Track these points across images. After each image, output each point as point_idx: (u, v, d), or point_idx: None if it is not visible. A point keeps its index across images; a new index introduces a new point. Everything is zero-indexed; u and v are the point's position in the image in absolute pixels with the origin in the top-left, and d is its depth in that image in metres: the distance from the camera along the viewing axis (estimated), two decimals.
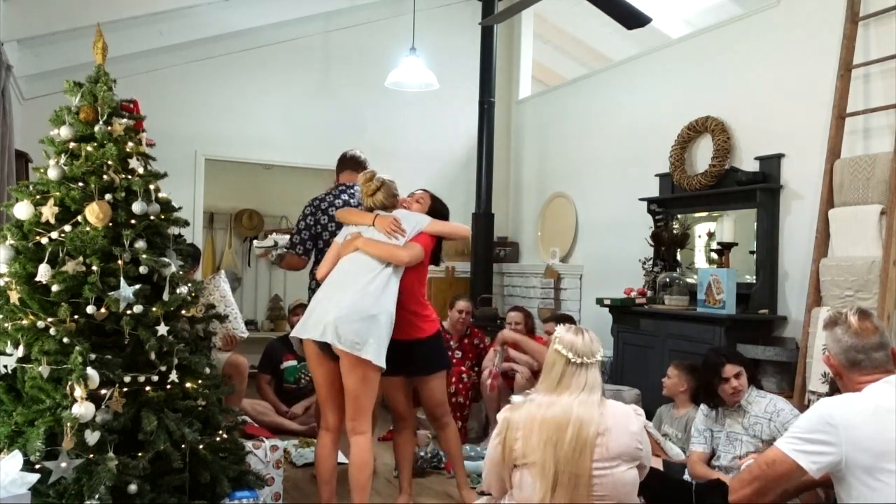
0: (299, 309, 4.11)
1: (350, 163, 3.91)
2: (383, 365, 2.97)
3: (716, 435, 3.14)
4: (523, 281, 6.36)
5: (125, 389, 2.41)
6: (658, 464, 3.19)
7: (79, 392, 2.22)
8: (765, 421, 2.98)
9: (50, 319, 2.37)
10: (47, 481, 2.17)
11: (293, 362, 5.17)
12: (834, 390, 2.86)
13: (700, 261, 4.83)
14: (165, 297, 2.54)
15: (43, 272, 2.40)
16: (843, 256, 3.66)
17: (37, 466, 2.17)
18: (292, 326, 4.22)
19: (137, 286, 2.45)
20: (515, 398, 2.26)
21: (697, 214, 4.86)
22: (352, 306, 2.94)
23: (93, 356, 2.32)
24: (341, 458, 3.67)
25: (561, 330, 2.27)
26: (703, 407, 3.24)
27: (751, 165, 4.36)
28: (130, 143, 2.62)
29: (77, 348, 2.26)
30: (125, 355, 2.47)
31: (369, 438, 3.04)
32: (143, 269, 2.50)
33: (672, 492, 2.71)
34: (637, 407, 2.31)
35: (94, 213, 2.46)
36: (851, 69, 3.79)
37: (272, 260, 3.92)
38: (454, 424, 3.68)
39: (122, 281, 2.42)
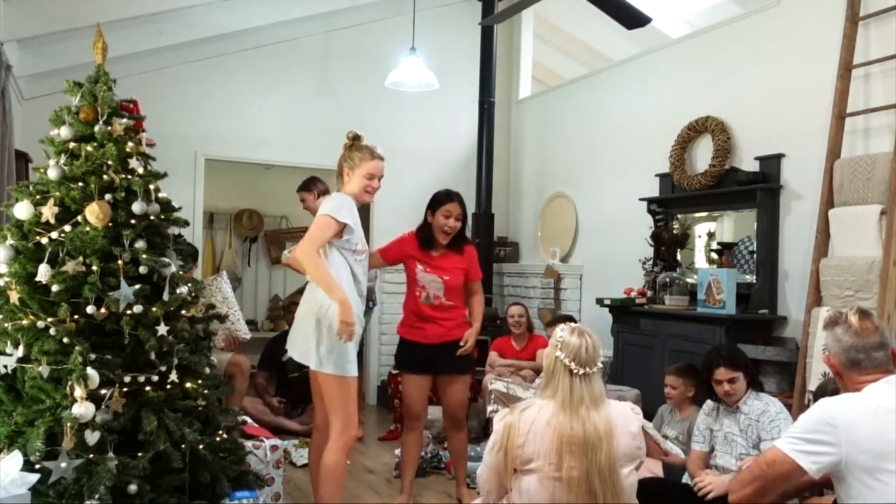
0: (293, 307, 4.12)
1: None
2: (328, 370, 2.85)
3: (715, 433, 3.15)
4: (523, 281, 6.36)
5: (125, 389, 2.41)
6: (658, 466, 3.19)
7: (79, 392, 2.22)
8: (754, 423, 2.99)
9: (50, 319, 2.37)
10: (47, 481, 2.17)
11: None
12: (818, 393, 2.85)
13: (700, 261, 4.83)
14: (165, 297, 2.54)
15: (43, 272, 2.40)
16: (843, 256, 3.66)
17: (37, 466, 2.17)
18: (289, 324, 4.23)
19: (137, 286, 2.45)
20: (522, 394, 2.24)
21: (697, 214, 4.86)
22: (301, 315, 2.94)
23: (93, 356, 2.32)
24: None
25: (564, 332, 2.22)
26: (705, 406, 3.24)
27: (751, 165, 4.36)
28: (130, 143, 2.62)
29: (77, 348, 2.26)
30: (125, 355, 2.47)
31: (332, 445, 2.91)
32: (143, 269, 2.50)
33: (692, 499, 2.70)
34: (633, 405, 2.30)
35: (94, 213, 2.46)
36: (851, 69, 3.79)
37: None
38: (466, 427, 3.75)
39: (122, 281, 2.42)
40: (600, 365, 2.19)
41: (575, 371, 2.14)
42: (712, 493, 2.66)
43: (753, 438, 2.97)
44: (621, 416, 2.19)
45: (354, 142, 3.05)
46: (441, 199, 3.59)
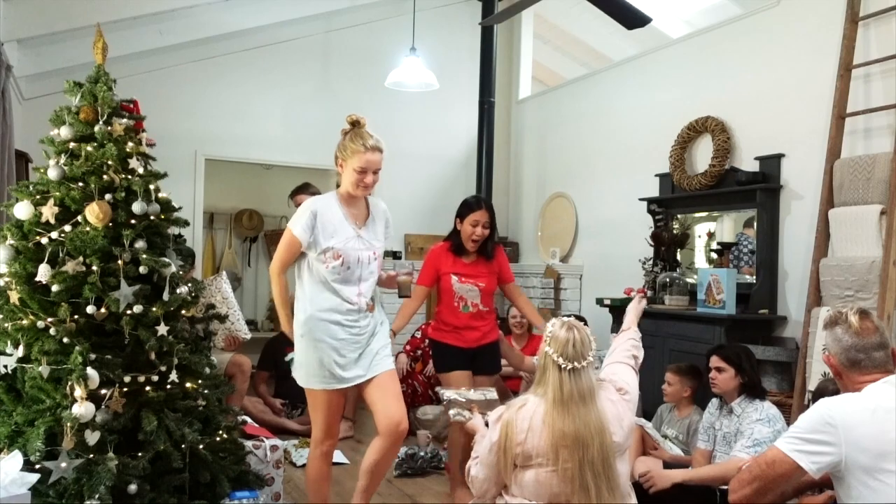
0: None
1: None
2: (300, 381, 2.86)
3: (716, 432, 3.17)
4: (523, 281, 6.36)
5: (125, 389, 2.41)
6: (658, 465, 3.20)
7: (79, 392, 2.21)
8: (742, 424, 3.01)
9: (50, 319, 2.37)
10: (47, 481, 2.17)
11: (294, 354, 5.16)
12: (818, 393, 2.86)
13: (700, 261, 4.83)
14: (165, 297, 2.53)
15: (43, 272, 2.39)
16: (843, 256, 3.66)
17: (37, 466, 2.17)
18: None
19: (137, 286, 2.45)
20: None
21: (697, 214, 4.86)
22: None
23: (93, 356, 2.32)
24: (340, 458, 3.68)
25: (554, 326, 2.23)
26: (710, 405, 3.26)
27: (751, 165, 4.36)
28: (130, 143, 2.62)
29: (77, 348, 2.26)
30: (125, 355, 2.46)
31: (313, 451, 2.94)
32: (143, 269, 2.50)
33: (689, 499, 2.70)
34: (626, 392, 2.29)
35: (94, 213, 2.45)
36: (851, 69, 3.79)
37: None
38: None
39: (122, 281, 2.42)
40: (590, 359, 2.18)
41: (563, 366, 2.14)
42: (654, 488, 2.67)
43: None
44: (610, 404, 2.20)
45: (353, 128, 2.79)
46: (470, 207, 3.56)
